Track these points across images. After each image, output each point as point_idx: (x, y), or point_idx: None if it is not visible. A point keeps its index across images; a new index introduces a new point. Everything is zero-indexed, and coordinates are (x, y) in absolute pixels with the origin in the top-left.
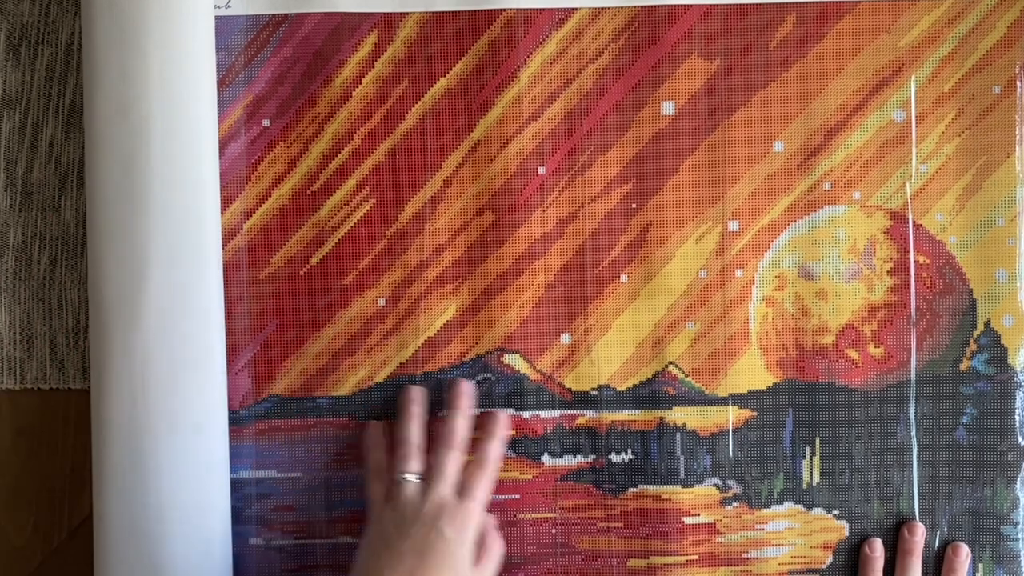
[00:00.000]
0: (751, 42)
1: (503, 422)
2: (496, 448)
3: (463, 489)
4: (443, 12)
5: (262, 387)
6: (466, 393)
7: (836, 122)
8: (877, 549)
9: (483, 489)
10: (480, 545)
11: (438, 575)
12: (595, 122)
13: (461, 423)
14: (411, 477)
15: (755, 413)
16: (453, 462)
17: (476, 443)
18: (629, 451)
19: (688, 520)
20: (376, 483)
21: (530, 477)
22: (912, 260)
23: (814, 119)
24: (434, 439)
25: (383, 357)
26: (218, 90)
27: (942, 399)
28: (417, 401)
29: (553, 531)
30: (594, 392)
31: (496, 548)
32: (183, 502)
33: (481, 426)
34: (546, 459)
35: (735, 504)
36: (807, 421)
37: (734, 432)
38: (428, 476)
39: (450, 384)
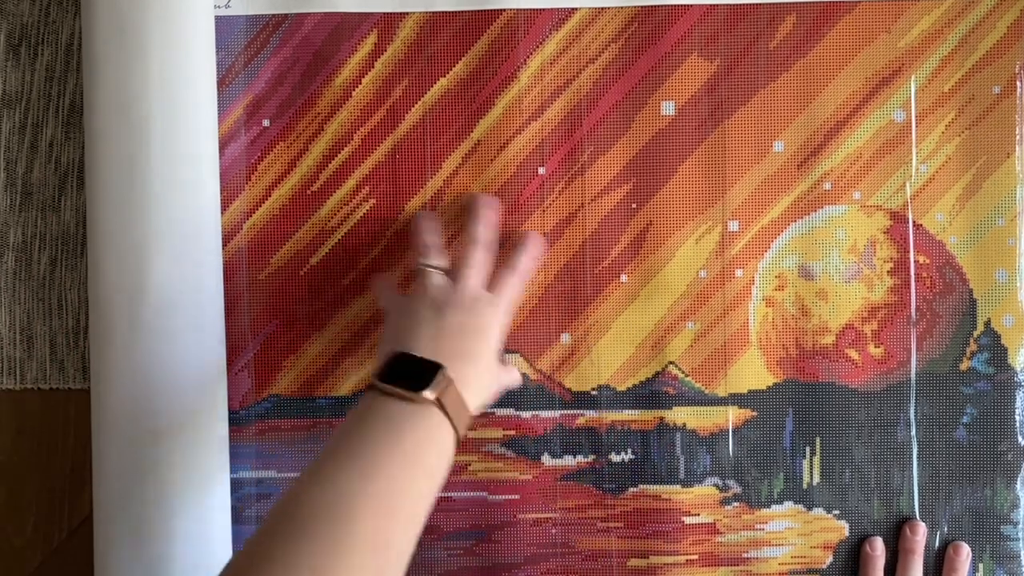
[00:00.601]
0: (751, 42)
1: (535, 239)
2: (527, 260)
3: (493, 286)
4: (443, 12)
5: (262, 387)
6: (492, 205)
7: (836, 122)
8: (878, 548)
9: (514, 288)
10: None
11: (477, 355)
12: (595, 122)
13: (487, 225)
14: (435, 268)
15: (755, 413)
16: (480, 256)
17: (504, 254)
18: (629, 451)
19: (688, 520)
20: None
21: (530, 477)
22: (912, 260)
23: (814, 119)
24: (459, 240)
25: None
26: (218, 90)
27: (942, 399)
28: (432, 214)
29: (553, 531)
30: (594, 392)
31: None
32: (183, 502)
33: (509, 241)
34: (546, 459)
35: (735, 504)
36: (807, 421)
37: (734, 432)
38: (455, 268)
39: (474, 197)
